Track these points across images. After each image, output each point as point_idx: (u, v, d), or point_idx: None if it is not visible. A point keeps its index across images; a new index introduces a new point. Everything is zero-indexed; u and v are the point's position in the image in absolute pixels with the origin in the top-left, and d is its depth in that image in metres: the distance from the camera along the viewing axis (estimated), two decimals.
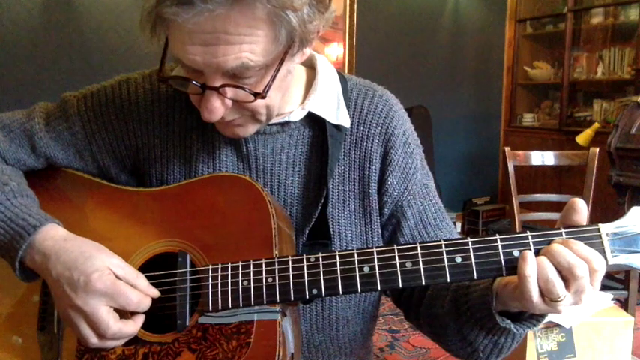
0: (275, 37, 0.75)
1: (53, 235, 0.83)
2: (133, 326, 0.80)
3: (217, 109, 0.79)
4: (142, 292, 0.80)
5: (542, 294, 0.74)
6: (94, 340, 0.79)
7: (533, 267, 0.73)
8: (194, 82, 0.78)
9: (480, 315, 0.83)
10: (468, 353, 0.89)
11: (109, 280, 0.78)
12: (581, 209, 0.77)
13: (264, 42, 0.74)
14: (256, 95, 0.78)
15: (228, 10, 0.70)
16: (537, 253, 0.75)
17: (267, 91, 0.79)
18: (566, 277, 0.73)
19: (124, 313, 0.80)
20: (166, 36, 0.78)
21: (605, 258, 0.74)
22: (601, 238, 0.75)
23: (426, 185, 1.01)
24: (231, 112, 0.82)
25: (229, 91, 0.79)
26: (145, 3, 0.75)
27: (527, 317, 0.83)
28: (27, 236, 0.81)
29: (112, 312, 0.78)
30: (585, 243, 0.74)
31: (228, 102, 0.80)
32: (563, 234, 0.75)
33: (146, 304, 0.81)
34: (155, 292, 0.82)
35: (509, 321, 0.81)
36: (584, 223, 0.77)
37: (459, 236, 0.85)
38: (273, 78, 0.79)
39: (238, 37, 0.72)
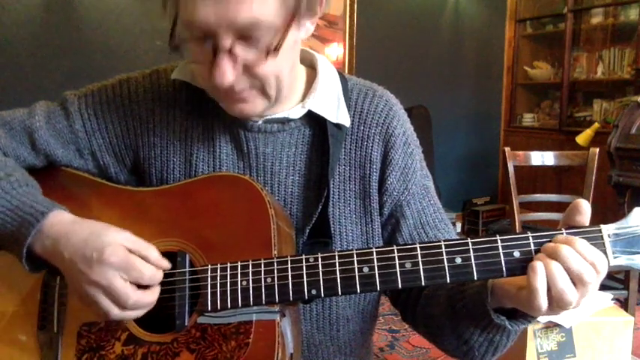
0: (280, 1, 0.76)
1: (61, 220, 0.83)
2: (151, 295, 0.80)
3: (229, 71, 0.79)
4: (153, 264, 0.81)
5: (551, 301, 0.73)
6: (115, 311, 0.79)
7: (544, 279, 0.72)
8: (206, 45, 0.78)
9: (475, 312, 0.83)
10: (464, 352, 0.89)
11: (122, 253, 0.78)
12: (585, 210, 0.76)
13: (269, 1, 0.76)
14: (268, 52, 0.79)
15: None
16: (538, 252, 0.75)
17: (279, 48, 0.79)
18: (575, 282, 0.72)
19: (140, 286, 0.80)
20: (176, 10, 0.78)
21: (607, 259, 0.74)
22: (603, 239, 0.74)
23: (425, 186, 1.01)
24: (242, 80, 0.82)
25: (241, 52, 0.79)
26: None
27: (522, 314, 0.83)
28: (35, 223, 0.82)
29: (128, 283, 0.79)
30: None
31: (239, 66, 0.80)
32: (565, 235, 0.75)
33: (159, 277, 0.81)
34: (166, 264, 0.82)
35: (504, 317, 0.81)
36: (587, 224, 0.77)
37: (457, 237, 0.85)
38: (283, 38, 0.79)
39: None
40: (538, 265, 0.73)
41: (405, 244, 0.79)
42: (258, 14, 0.75)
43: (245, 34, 0.78)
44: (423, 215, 0.99)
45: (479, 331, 0.85)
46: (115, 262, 0.78)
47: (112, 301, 0.78)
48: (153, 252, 0.82)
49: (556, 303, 0.73)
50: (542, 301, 0.73)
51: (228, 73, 0.79)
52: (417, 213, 0.99)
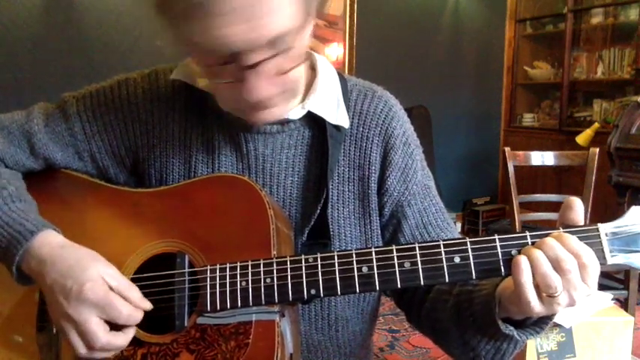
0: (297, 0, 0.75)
1: (50, 242, 0.82)
2: (122, 339, 0.79)
3: (259, 86, 0.77)
4: (133, 305, 0.80)
5: (539, 293, 0.74)
6: (82, 350, 0.78)
7: (528, 272, 0.73)
8: (230, 66, 0.75)
9: (482, 322, 0.83)
10: (470, 358, 0.89)
11: (102, 291, 0.77)
12: (577, 207, 0.77)
13: (289, 6, 0.74)
14: (299, 57, 0.79)
15: None
16: None
17: (304, 52, 0.79)
18: (555, 269, 0.73)
19: (116, 325, 0.79)
20: (187, 41, 0.75)
21: (604, 258, 0.74)
22: (600, 238, 0.74)
23: (427, 185, 1.01)
24: (272, 89, 0.80)
25: (269, 65, 0.76)
26: (166, 34, 0.74)
27: (531, 324, 0.83)
28: (24, 242, 0.81)
29: (102, 324, 0.78)
30: (584, 242, 0.74)
31: (269, 77, 0.78)
32: (559, 232, 0.75)
33: (137, 317, 0.80)
34: (147, 305, 0.81)
35: (512, 328, 0.81)
36: (581, 221, 0.77)
37: (459, 236, 0.85)
38: (307, 38, 0.79)
39: (267, 4, 0.71)
40: (522, 260, 0.74)
41: (404, 244, 0.79)
42: (281, 25, 0.73)
43: (271, 47, 0.74)
44: (425, 215, 0.99)
45: (486, 339, 0.85)
46: (93, 299, 0.77)
47: (81, 339, 0.78)
48: (135, 292, 0.80)
49: (543, 289, 0.73)
50: (530, 289, 0.73)
51: (259, 88, 0.77)
52: (418, 213, 0.99)
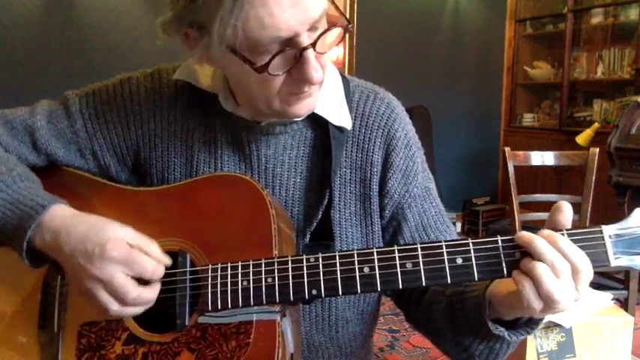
0: None
1: (62, 213, 0.83)
2: (151, 292, 0.80)
3: (318, 66, 0.79)
4: (155, 260, 0.80)
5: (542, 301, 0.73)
6: (114, 307, 0.78)
7: (529, 281, 0.72)
8: (286, 52, 0.77)
9: (474, 322, 0.83)
10: (464, 359, 0.89)
11: (124, 248, 0.78)
12: (565, 210, 0.76)
13: None
14: (346, 30, 0.81)
15: None
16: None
17: (348, 20, 0.82)
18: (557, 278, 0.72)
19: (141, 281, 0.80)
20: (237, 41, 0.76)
21: (608, 260, 0.74)
22: (604, 240, 0.74)
23: (427, 188, 1.01)
24: (322, 67, 0.82)
25: (320, 43, 0.79)
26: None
27: (522, 324, 0.83)
28: (36, 216, 0.81)
29: (129, 278, 0.78)
30: (588, 245, 0.73)
31: (319, 57, 0.80)
32: (565, 236, 0.75)
33: (161, 271, 0.80)
34: (167, 260, 0.82)
35: (502, 329, 0.81)
36: (569, 225, 0.76)
37: (459, 238, 0.84)
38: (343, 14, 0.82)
39: None
40: (522, 268, 0.73)
41: (406, 244, 0.79)
42: (321, 5, 0.77)
43: (317, 25, 0.78)
44: (425, 217, 0.99)
45: (479, 340, 0.85)
46: (117, 257, 0.77)
47: (111, 296, 0.78)
48: (154, 248, 0.81)
49: (546, 303, 0.72)
50: (535, 302, 0.72)
51: (318, 67, 0.79)
52: (418, 215, 0.98)
